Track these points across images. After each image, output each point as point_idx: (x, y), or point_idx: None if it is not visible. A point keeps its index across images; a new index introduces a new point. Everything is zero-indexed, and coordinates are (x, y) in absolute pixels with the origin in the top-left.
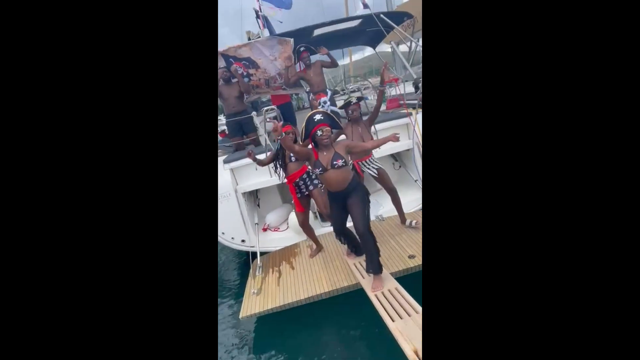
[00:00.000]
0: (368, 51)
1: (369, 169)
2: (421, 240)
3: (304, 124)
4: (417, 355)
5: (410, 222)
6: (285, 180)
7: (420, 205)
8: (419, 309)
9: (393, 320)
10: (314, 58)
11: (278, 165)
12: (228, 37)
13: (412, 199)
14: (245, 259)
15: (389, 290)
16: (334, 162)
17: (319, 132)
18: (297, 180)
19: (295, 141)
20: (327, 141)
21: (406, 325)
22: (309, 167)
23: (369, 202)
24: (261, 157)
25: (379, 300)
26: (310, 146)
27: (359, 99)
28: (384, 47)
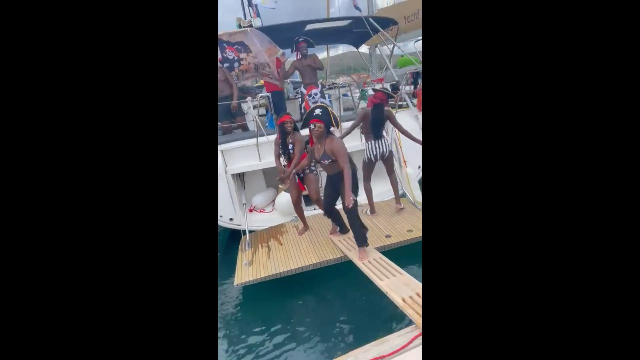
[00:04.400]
0: (340, 50)
1: None
2: (396, 224)
3: (306, 114)
4: (406, 302)
5: (365, 211)
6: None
7: (389, 196)
8: (402, 271)
9: (382, 280)
10: (310, 51)
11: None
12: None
13: (385, 190)
14: (230, 236)
15: (374, 259)
16: (322, 160)
17: (312, 126)
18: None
19: (295, 129)
20: (317, 135)
21: (392, 282)
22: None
23: (358, 185)
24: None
25: (367, 267)
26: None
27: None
28: (363, 48)
